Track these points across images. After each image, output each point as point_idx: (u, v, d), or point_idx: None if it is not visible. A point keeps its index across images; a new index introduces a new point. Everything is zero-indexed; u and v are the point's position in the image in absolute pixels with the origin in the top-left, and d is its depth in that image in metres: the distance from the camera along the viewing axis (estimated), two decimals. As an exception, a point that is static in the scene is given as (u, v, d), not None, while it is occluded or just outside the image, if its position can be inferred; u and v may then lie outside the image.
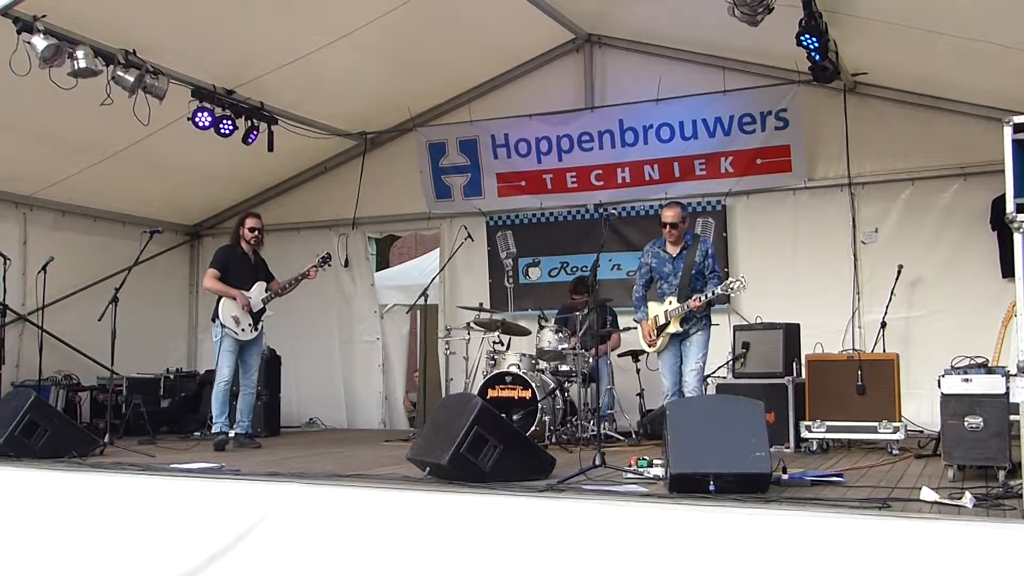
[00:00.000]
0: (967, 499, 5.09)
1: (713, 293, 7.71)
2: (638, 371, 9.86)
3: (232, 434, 9.54)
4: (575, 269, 11.41)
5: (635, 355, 9.89)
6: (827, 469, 6.80)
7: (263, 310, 9.67)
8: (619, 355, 10.29)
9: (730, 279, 7.80)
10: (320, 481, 6.38)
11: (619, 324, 10.35)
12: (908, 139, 10.13)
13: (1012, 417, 5.86)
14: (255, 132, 10.56)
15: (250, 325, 9.54)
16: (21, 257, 11.12)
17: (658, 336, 7.93)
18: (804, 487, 5.98)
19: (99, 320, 9.28)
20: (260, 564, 5.88)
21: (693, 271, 7.84)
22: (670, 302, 7.89)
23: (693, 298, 7.71)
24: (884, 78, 10.03)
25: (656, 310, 8.01)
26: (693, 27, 10.13)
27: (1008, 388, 5.98)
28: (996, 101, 9.06)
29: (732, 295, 8.21)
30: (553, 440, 9.10)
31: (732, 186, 10.84)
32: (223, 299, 9.48)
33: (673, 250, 7.96)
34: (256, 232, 9.69)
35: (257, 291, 9.63)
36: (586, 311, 9.34)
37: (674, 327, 7.77)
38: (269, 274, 9.88)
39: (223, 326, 9.46)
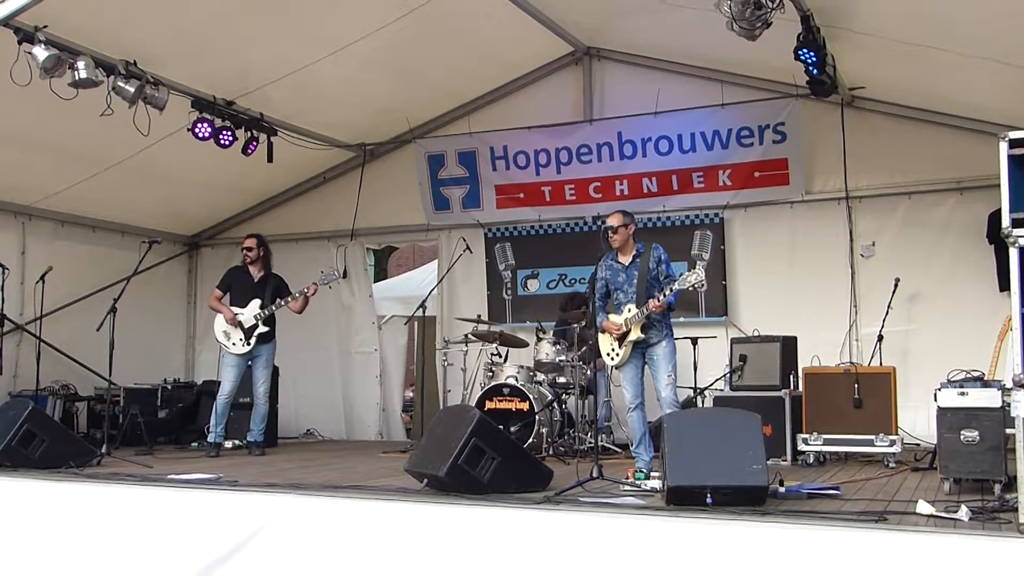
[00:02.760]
0: (963, 512, 5.10)
1: (670, 291, 7.50)
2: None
3: (229, 444, 10.22)
4: (573, 281, 11.43)
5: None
6: (824, 482, 6.81)
7: (255, 326, 9.89)
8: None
9: (685, 273, 7.46)
10: (317, 492, 6.38)
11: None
12: (905, 153, 10.15)
13: (1008, 431, 5.87)
14: (255, 143, 10.58)
15: (241, 340, 9.93)
16: (20, 267, 11.12)
17: (620, 347, 7.72)
18: (801, 500, 5.99)
19: (97, 330, 9.30)
20: (258, 575, 5.88)
21: (648, 277, 7.64)
22: (629, 310, 7.60)
23: (651, 300, 7.45)
24: (881, 92, 10.06)
25: (616, 321, 7.70)
26: (691, 41, 10.15)
27: (1004, 402, 6.01)
28: (993, 116, 9.08)
29: (691, 289, 7.95)
30: (551, 452, 9.09)
31: (730, 199, 10.86)
32: (216, 316, 10.07)
33: (625, 259, 7.75)
34: (247, 251, 10.18)
35: (251, 308, 9.98)
36: (583, 323, 9.33)
37: (635, 334, 7.55)
38: (283, 291, 10.13)
39: (217, 341, 10.09)
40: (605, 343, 7.82)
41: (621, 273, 7.73)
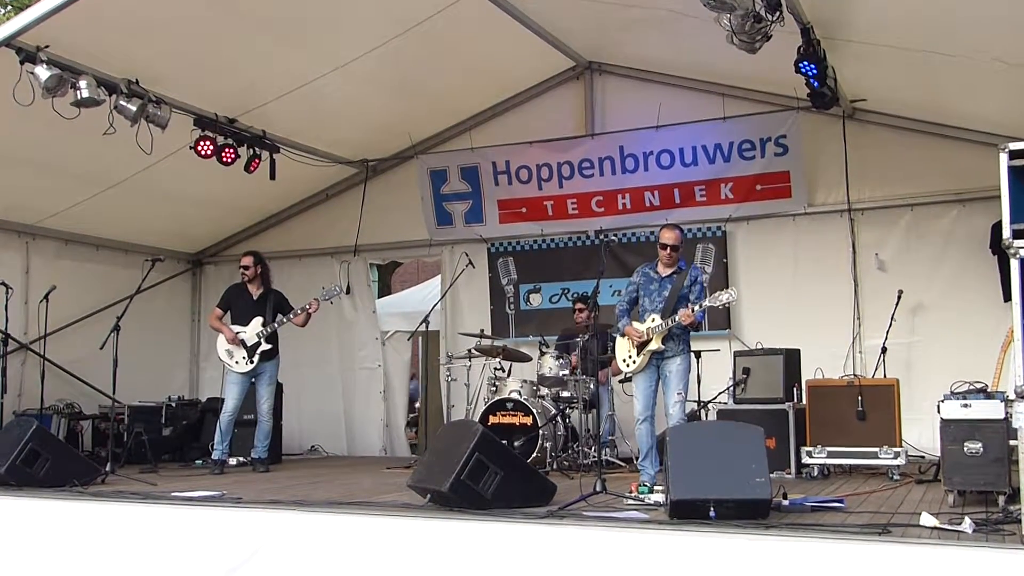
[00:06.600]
0: (967, 524, 5.09)
1: (701, 306, 7.57)
2: (639, 397, 9.84)
3: (233, 461, 10.21)
4: (576, 295, 11.42)
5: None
6: (828, 495, 6.81)
7: (258, 344, 9.88)
8: (620, 381, 10.27)
9: (718, 291, 7.66)
10: (320, 509, 6.38)
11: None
12: (907, 165, 10.15)
13: (1011, 442, 5.86)
14: (257, 160, 10.61)
15: (244, 358, 9.93)
16: (23, 286, 11.13)
17: (639, 354, 7.78)
18: (804, 513, 5.99)
19: (101, 348, 9.36)
20: (261, 592, 5.88)
21: (680, 292, 7.70)
22: (652, 319, 7.66)
23: (682, 310, 7.48)
24: (883, 104, 10.07)
25: (639, 328, 7.73)
26: (692, 54, 10.17)
27: (1007, 413, 6.00)
28: (994, 127, 9.08)
29: (720, 307, 8.07)
30: (554, 466, 9.09)
31: (732, 212, 10.87)
32: (218, 335, 10.04)
33: (664, 271, 7.85)
34: (244, 270, 10.18)
35: (253, 326, 9.97)
36: (586, 336, 9.31)
37: (655, 344, 7.57)
38: (284, 307, 10.12)
39: (220, 360, 10.07)
40: (623, 349, 7.88)
41: (655, 282, 7.82)
